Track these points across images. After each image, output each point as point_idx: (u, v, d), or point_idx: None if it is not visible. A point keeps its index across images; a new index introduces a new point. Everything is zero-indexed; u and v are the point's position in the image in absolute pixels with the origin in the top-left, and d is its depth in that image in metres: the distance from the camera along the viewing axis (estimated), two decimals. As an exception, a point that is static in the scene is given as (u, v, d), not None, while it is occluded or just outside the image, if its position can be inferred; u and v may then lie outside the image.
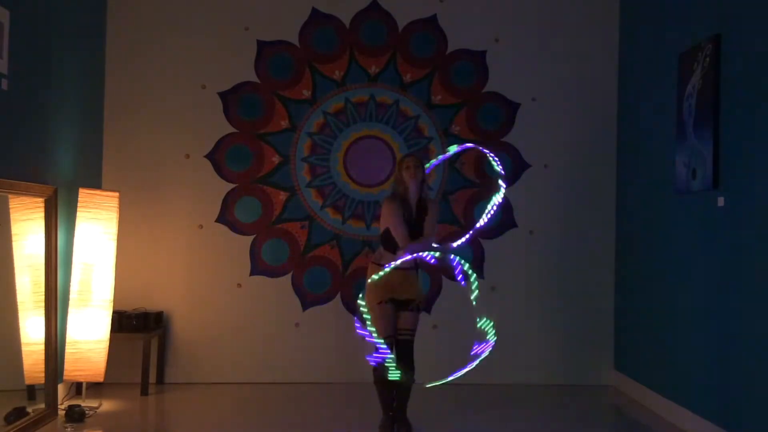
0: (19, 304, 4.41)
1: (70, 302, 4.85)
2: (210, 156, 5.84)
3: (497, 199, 4.61)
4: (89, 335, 4.87)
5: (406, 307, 4.52)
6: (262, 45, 5.87)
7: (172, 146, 5.81)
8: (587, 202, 5.95)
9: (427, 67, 5.96)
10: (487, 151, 4.69)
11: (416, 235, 4.47)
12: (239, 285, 5.82)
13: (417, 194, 4.48)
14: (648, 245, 5.33)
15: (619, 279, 5.88)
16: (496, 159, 4.65)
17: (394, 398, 4.54)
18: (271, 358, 5.80)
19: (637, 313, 5.52)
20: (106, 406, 5.00)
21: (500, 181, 4.58)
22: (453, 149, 4.76)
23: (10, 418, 4.20)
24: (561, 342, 5.89)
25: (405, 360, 4.51)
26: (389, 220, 4.45)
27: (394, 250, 4.45)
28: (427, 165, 4.76)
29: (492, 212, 4.66)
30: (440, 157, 5.15)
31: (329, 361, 5.58)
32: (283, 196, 5.86)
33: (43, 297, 4.52)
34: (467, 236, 4.80)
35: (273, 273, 5.84)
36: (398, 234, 4.41)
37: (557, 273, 5.91)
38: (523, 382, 5.85)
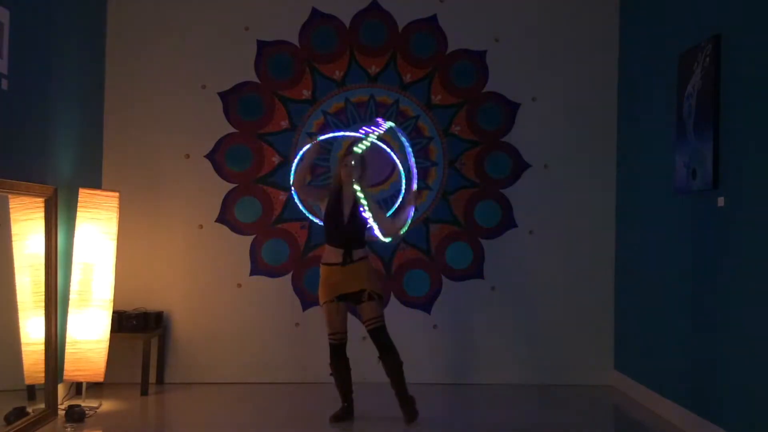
0: (19, 304, 4.41)
1: (70, 302, 4.85)
2: (210, 156, 5.84)
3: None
4: (89, 335, 4.87)
5: (361, 300, 4.64)
6: (262, 45, 5.87)
7: (172, 146, 5.80)
8: (587, 202, 5.95)
9: (427, 67, 5.96)
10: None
11: (354, 230, 4.67)
12: (239, 285, 5.82)
13: (352, 193, 4.67)
14: (648, 245, 5.33)
15: (619, 279, 5.88)
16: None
17: (351, 389, 4.74)
18: (271, 358, 5.80)
19: (637, 313, 5.52)
20: (106, 406, 5.00)
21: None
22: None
23: (10, 418, 4.20)
24: (561, 342, 5.89)
25: (381, 345, 4.65)
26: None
27: (331, 243, 4.67)
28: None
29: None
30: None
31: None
32: (283, 196, 5.86)
33: (43, 297, 4.52)
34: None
35: (273, 273, 5.84)
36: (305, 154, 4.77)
37: (557, 273, 5.91)
38: (522, 382, 5.85)
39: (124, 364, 5.51)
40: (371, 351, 4.70)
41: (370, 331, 4.67)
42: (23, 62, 4.33)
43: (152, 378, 5.60)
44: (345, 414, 4.71)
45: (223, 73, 5.85)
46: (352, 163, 4.66)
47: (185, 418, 5.02)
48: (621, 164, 5.90)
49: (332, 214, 4.68)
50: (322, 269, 4.71)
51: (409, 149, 5.02)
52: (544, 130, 5.95)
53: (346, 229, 4.67)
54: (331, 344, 4.72)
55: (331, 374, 4.75)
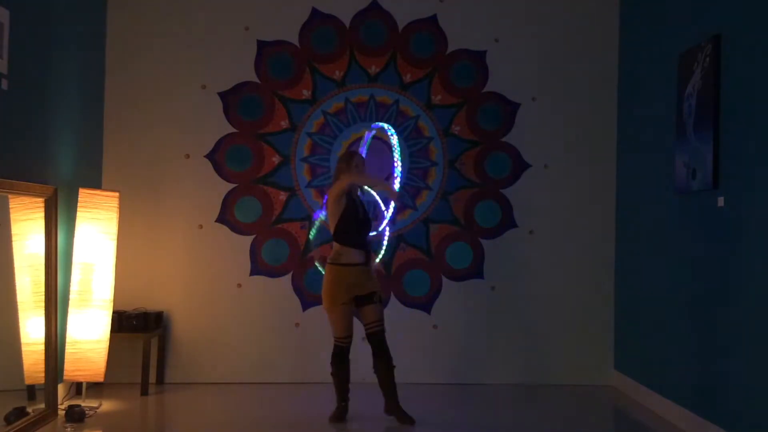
0: (19, 304, 4.41)
1: (70, 302, 4.85)
2: (210, 156, 5.84)
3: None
4: (89, 335, 4.87)
5: (369, 301, 4.64)
6: (262, 45, 5.87)
7: (172, 146, 5.80)
8: (587, 202, 5.95)
9: (427, 67, 5.96)
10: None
11: (368, 230, 4.77)
12: (239, 285, 5.82)
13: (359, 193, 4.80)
14: (648, 245, 5.33)
15: (619, 279, 5.88)
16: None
17: (348, 389, 4.74)
18: (271, 358, 5.81)
19: (637, 313, 5.52)
20: (106, 406, 5.00)
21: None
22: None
23: (10, 418, 4.20)
24: (561, 342, 5.89)
25: (380, 350, 4.66)
26: (341, 181, 4.64)
27: (353, 244, 4.62)
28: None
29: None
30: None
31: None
32: (283, 196, 5.86)
33: (43, 297, 4.52)
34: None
35: (273, 273, 5.84)
36: (355, 176, 4.68)
37: (557, 273, 5.91)
38: (522, 382, 5.85)
39: (124, 364, 5.51)
40: (370, 351, 4.70)
41: (372, 333, 4.65)
42: (23, 62, 4.33)
43: (152, 378, 5.60)
44: (344, 414, 4.71)
45: (223, 73, 5.85)
46: (362, 164, 4.74)
47: (185, 418, 5.02)
48: (621, 164, 5.90)
49: (354, 215, 4.64)
50: (340, 270, 4.60)
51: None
52: (544, 130, 5.95)
53: (364, 230, 4.70)
54: (338, 347, 4.67)
55: (332, 374, 4.74)
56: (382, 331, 4.67)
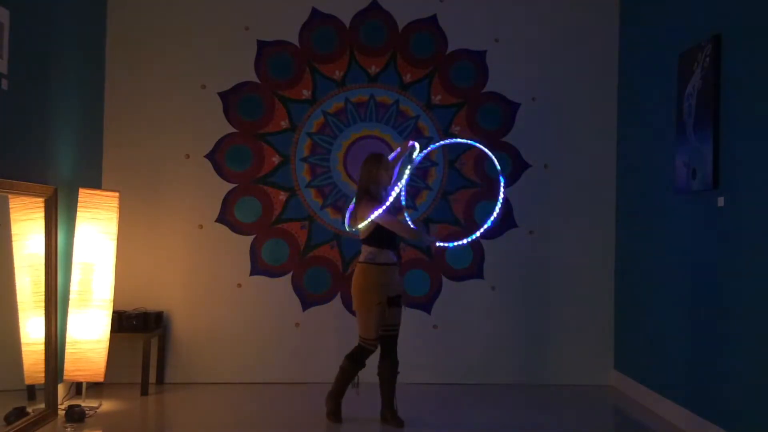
0: (19, 304, 4.41)
1: (70, 302, 4.85)
2: (210, 156, 5.84)
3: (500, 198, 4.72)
4: (89, 335, 4.87)
5: (396, 304, 4.64)
6: (262, 45, 5.87)
7: (172, 146, 5.80)
8: (587, 202, 5.95)
9: (427, 67, 5.96)
10: (486, 150, 4.77)
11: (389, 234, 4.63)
12: (239, 285, 5.82)
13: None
14: (648, 245, 5.33)
15: (619, 279, 5.89)
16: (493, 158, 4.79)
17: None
18: (271, 358, 5.81)
19: (637, 313, 5.52)
20: (106, 406, 5.00)
21: (501, 180, 4.69)
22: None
23: (10, 418, 4.20)
24: (561, 342, 5.89)
25: (392, 354, 4.66)
26: (393, 224, 4.51)
27: (389, 245, 4.57)
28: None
29: (497, 213, 4.71)
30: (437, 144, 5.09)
31: (329, 361, 5.56)
32: (283, 196, 5.86)
33: (43, 297, 4.52)
34: (473, 237, 4.80)
35: (273, 273, 5.84)
36: (408, 230, 4.59)
37: (557, 273, 5.91)
38: (522, 382, 5.85)
39: (124, 364, 5.51)
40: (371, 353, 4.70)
41: (391, 336, 4.64)
42: (23, 62, 4.33)
43: (152, 378, 5.60)
44: (340, 412, 4.70)
45: (223, 73, 5.84)
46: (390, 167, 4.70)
47: (185, 418, 5.02)
48: (621, 164, 5.90)
49: None
50: (379, 269, 4.52)
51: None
52: (544, 130, 5.95)
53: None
54: (365, 349, 4.60)
55: (345, 369, 4.63)
56: (398, 335, 4.68)
